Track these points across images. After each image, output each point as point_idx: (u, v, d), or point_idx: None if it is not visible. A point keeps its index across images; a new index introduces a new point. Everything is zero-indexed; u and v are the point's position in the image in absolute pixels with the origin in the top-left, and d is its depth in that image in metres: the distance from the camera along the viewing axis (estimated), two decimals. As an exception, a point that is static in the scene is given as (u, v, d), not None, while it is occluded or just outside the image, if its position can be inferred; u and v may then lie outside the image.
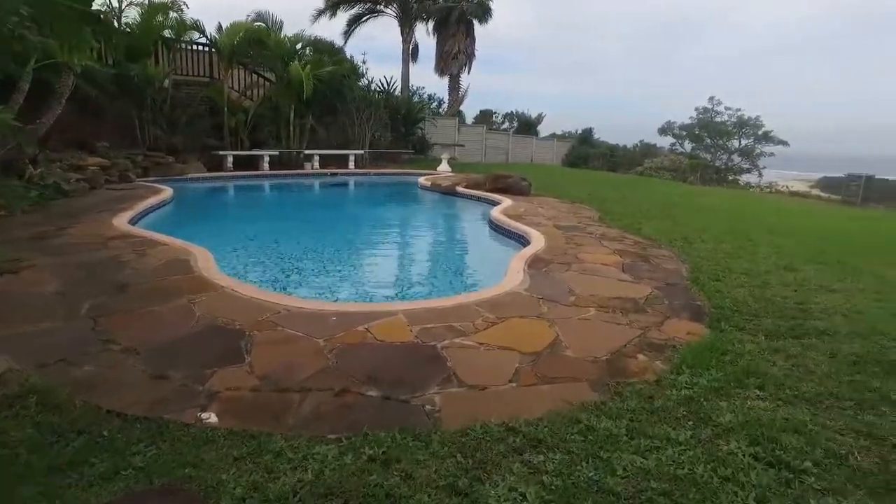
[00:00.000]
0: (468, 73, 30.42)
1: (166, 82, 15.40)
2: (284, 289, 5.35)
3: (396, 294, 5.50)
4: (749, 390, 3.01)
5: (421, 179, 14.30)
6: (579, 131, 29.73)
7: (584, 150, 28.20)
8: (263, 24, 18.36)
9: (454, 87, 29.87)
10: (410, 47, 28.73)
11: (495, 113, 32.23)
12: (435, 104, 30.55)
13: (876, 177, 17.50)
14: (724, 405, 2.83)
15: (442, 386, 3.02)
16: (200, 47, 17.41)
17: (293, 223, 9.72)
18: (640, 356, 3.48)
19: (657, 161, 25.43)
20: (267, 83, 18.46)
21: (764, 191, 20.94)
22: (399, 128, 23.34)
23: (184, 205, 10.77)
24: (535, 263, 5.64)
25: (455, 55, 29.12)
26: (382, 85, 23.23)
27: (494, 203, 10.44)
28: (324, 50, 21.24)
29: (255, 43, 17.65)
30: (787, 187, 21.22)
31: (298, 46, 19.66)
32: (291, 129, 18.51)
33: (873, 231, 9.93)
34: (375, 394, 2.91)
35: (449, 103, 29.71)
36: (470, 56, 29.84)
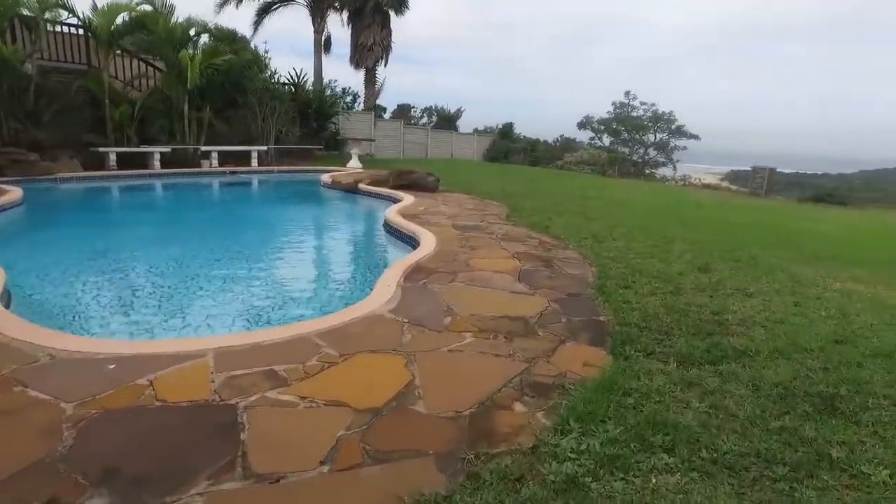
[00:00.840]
0: (385, 65, 29.24)
1: (28, 67, 13.34)
2: (85, 321, 4.10)
3: (228, 322, 4.24)
4: (655, 455, 2.18)
5: (323, 177, 13.08)
6: (500, 126, 29.29)
7: (504, 145, 27.76)
8: (150, 7, 16.40)
9: (370, 80, 28.61)
10: (323, 38, 27.18)
11: (413, 108, 31.21)
12: (350, 98, 29.21)
13: (777, 169, 18.05)
14: (619, 487, 1.98)
15: (216, 479, 1.99)
16: (74, 29, 15.32)
17: (158, 230, 8.31)
18: (518, 405, 2.59)
19: (577, 155, 25.37)
20: (158, 73, 16.58)
21: (678, 184, 21.24)
22: (310, 123, 21.90)
23: (37, 210, 9.09)
24: (414, 274, 4.70)
25: (371, 47, 27.86)
26: (292, 77, 21.74)
27: (396, 201, 9.49)
28: (224, 38, 19.50)
29: (140, 27, 15.78)
30: (699, 180, 21.64)
31: (192, 33, 17.89)
32: (186, 123, 16.75)
33: (778, 224, 9.79)
34: (97, 506, 1.85)
35: (365, 97, 28.44)
36: (386, 48, 28.69)
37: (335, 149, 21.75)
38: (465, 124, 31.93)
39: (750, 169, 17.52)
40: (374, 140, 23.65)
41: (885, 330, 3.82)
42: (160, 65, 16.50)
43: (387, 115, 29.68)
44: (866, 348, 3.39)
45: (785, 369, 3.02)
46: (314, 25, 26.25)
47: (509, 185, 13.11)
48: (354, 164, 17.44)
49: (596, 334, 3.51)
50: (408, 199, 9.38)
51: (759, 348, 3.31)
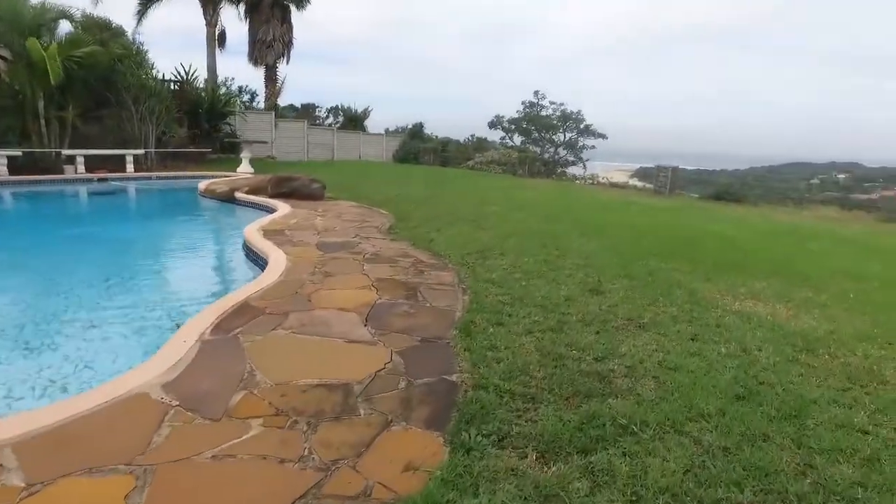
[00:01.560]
0: (287, 62, 27.55)
1: None
2: None
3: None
4: None
5: (201, 184, 11.56)
6: (411, 126, 28.32)
7: (414, 146, 26.81)
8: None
9: (271, 78, 26.82)
10: (217, 32, 25.09)
11: (318, 107, 29.60)
12: (248, 97, 27.30)
13: (679, 167, 18.30)
14: None
15: None
16: None
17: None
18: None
19: (488, 155, 24.88)
20: (4, 64, 14.28)
21: (587, 182, 21.20)
22: (202, 123, 20.00)
23: None
24: (232, 319, 3.61)
25: (270, 43, 26.11)
26: (178, 74, 19.73)
27: (272, 211, 8.31)
28: (93, 28, 17.28)
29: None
30: (607, 179, 21.70)
31: (50, 18, 15.71)
32: (43, 123, 14.60)
33: (678, 226, 9.47)
34: None
35: (266, 97, 26.62)
36: (288, 44, 27.01)
37: (232, 151, 19.97)
38: (378, 124, 30.78)
39: (654, 167, 17.67)
40: (266, 142, 22.03)
41: (787, 371, 3.19)
42: (5, 53, 14.21)
43: (295, 115, 27.93)
44: (771, 406, 2.71)
45: (676, 457, 2.23)
46: (206, 18, 24.12)
47: (409, 188, 12.19)
48: (245, 168, 15.91)
49: (438, 408, 2.60)
50: (283, 209, 8.21)
51: (647, 418, 2.52)
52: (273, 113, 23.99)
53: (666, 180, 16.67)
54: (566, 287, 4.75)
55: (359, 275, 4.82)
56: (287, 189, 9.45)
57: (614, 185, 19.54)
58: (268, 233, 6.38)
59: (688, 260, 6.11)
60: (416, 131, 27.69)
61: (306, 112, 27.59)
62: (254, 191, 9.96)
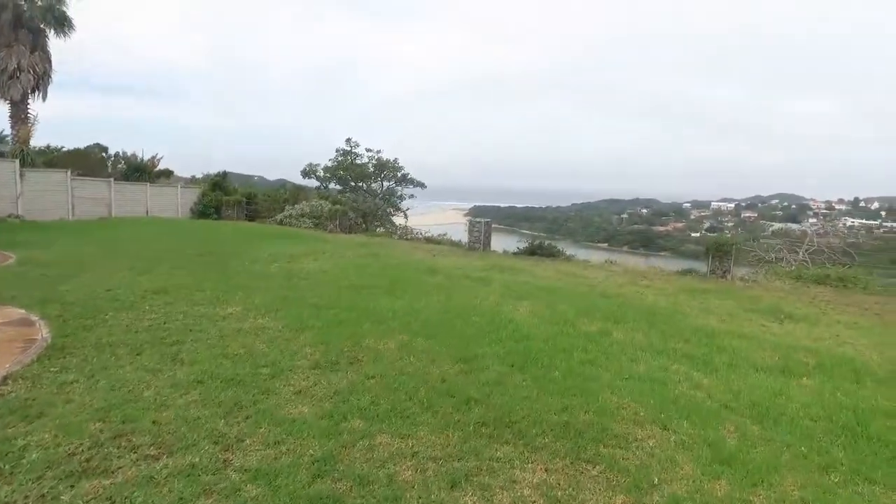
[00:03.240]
0: (44, 98, 22.73)
1: None
2: None
3: None
4: None
5: None
6: (214, 175, 24.71)
7: (216, 198, 23.36)
8: None
9: (19, 117, 21.80)
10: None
11: (92, 152, 24.79)
12: (-17, 140, 21.94)
13: (492, 222, 17.19)
14: None
15: None
16: None
17: None
18: None
19: (298, 208, 22.35)
20: None
21: (403, 236, 19.58)
22: None
23: None
24: None
25: (14, 74, 21.23)
26: None
27: None
28: None
29: None
30: (420, 233, 20.15)
31: None
32: None
33: (478, 308, 7.72)
34: None
35: (12, 139, 21.50)
36: (42, 76, 22.27)
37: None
38: (189, 166, 26.65)
39: (468, 221, 16.57)
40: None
41: None
42: None
43: (74, 159, 22.81)
44: None
45: None
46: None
47: (159, 265, 9.27)
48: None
49: None
50: None
51: None
52: (17, 161, 19.11)
53: (479, 235, 15.62)
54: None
55: None
56: None
57: (429, 241, 18.18)
58: None
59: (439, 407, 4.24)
60: (218, 181, 24.22)
61: (71, 157, 22.75)
62: None
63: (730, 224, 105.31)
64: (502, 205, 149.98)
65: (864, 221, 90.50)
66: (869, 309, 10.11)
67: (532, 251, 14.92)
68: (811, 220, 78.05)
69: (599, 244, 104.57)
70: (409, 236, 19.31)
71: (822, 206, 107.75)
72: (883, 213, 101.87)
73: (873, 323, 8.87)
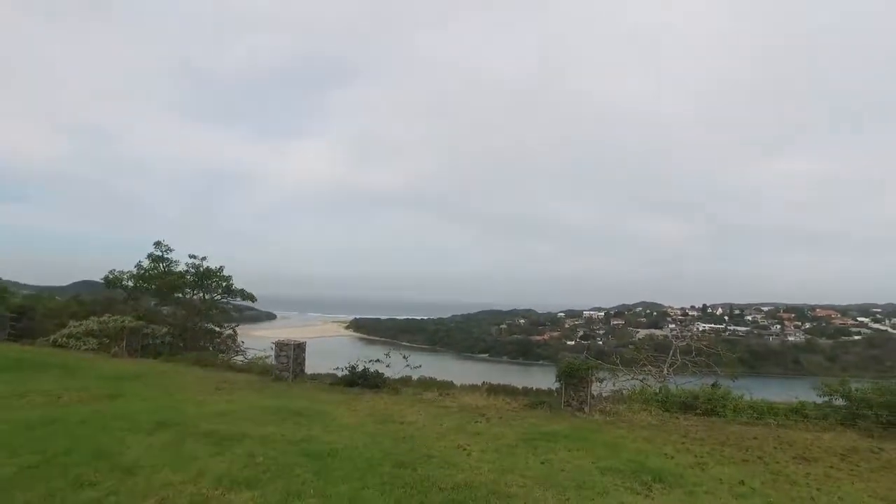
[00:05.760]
0: None
1: None
2: None
3: None
4: None
5: None
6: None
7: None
8: None
9: None
10: None
11: None
12: None
13: (304, 345, 13.10)
14: None
15: None
16: None
17: None
18: None
19: (85, 324, 17.52)
20: None
21: (207, 366, 15.31)
22: None
23: None
24: None
25: None
26: None
27: None
28: None
29: None
30: (244, 357, 16.27)
31: None
32: None
33: None
34: None
35: None
36: None
37: None
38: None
39: (274, 344, 12.90)
40: None
41: None
42: None
43: None
44: None
45: None
46: None
47: None
48: None
49: None
50: None
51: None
52: None
53: (288, 362, 12.12)
54: None
55: None
56: None
57: (240, 369, 14.28)
58: None
59: None
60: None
61: None
62: None
63: (601, 332, 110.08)
64: (383, 317, 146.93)
65: (713, 325, 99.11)
66: (750, 449, 7.94)
67: (352, 381, 11.69)
68: (671, 326, 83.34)
69: (479, 355, 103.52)
70: (216, 362, 15.16)
71: (679, 312, 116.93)
72: (727, 318, 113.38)
73: (763, 478, 6.55)
